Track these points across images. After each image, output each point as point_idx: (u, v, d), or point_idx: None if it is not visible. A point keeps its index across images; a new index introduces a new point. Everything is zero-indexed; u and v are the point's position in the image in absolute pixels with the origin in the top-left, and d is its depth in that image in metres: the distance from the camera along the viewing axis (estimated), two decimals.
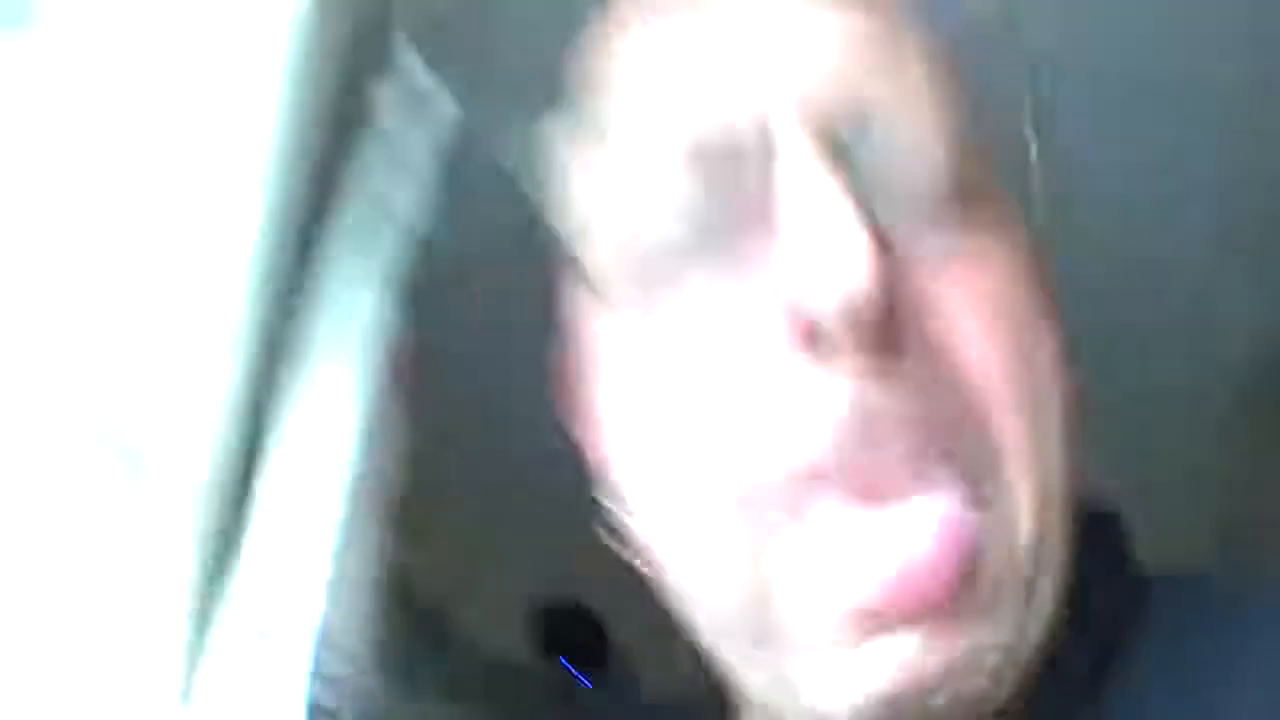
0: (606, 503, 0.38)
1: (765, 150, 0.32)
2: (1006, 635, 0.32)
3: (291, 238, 0.63)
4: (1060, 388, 0.34)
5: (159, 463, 0.80)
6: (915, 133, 0.33)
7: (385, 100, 0.61)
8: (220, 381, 0.72)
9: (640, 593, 0.40)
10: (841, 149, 0.32)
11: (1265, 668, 0.33)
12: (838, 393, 0.30)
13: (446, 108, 0.60)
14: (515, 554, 1.14)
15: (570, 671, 1.33)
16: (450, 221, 0.62)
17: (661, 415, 0.34)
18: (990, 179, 0.35)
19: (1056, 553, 0.33)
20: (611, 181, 0.34)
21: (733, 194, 0.33)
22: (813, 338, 0.30)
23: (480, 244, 0.65)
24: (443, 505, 0.71)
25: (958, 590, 0.31)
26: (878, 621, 0.31)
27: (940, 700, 0.31)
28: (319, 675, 0.56)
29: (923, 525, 0.31)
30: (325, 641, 0.56)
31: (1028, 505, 0.32)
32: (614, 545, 0.38)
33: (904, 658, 0.31)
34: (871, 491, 0.31)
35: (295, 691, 0.54)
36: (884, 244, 0.30)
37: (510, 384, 0.95)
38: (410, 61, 0.60)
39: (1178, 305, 0.96)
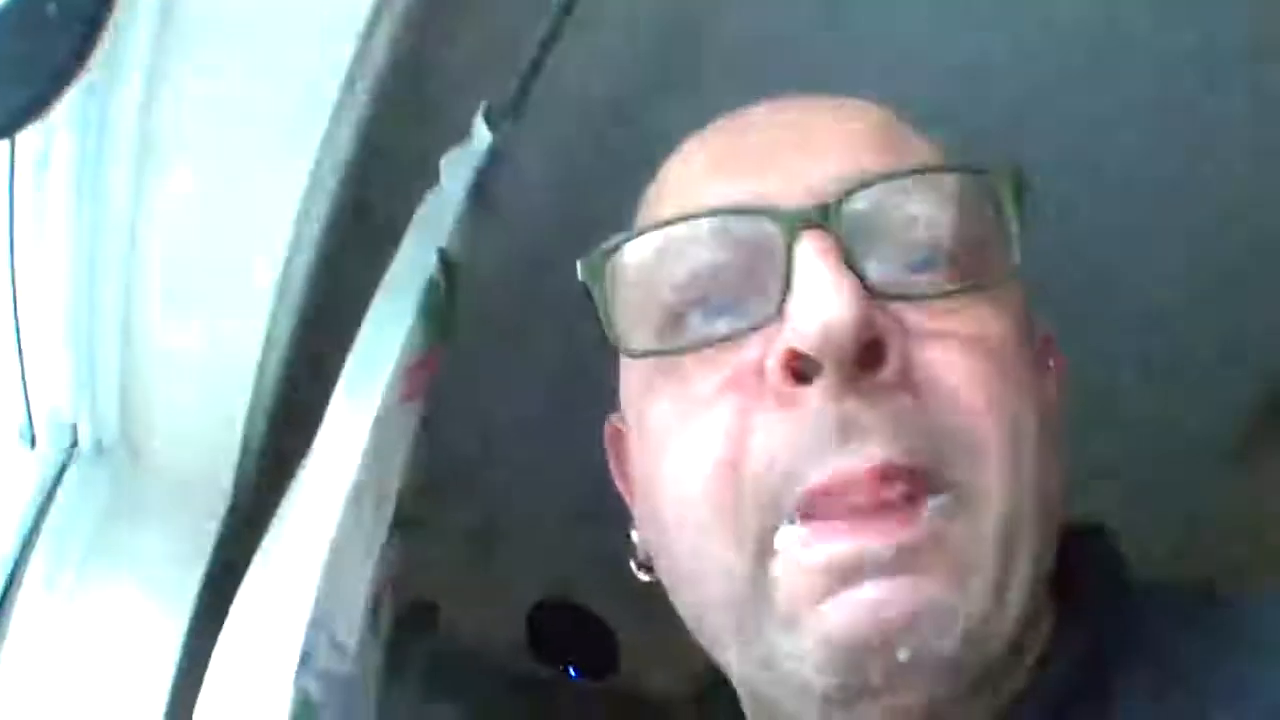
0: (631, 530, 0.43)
1: (772, 229, 0.37)
2: (976, 606, 0.34)
3: (327, 268, 0.69)
4: (1040, 412, 0.37)
5: (174, 461, 0.85)
6: (913, 195, 0.38)
7: (449, 165, 0.69)
8: (248, 391, 0.77)
9: (639, 599, 0.44)
10: (836, 214, 0.36)
11: (1256, 675, 0.35)
12: (819, 403, 0.35)
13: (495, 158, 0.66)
14: (515, 556, 1.16)
15: (560, 666, 1.36)
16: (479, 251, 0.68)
17: (675, 441, 0.38)
18: (992, 233, 0.38)
19: (1031, 544, 0.36)
20: (651, 250, 0.39)
21: (745, 263, 0.38)
22: (798, 366, 0.35)
23: (501, 268, 0.70)
24: (444, 507, 0.75)
25: (919, 540, 0.34)
26: (849, 574, 0.34)
27: (905, 654, 0.34)
28: (308, 665, 0.60)
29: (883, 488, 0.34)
30: (316, 633, 0.61)
31: (998, 495, 0.35)
32: (628, 560, 0.42)
33: (869, 598, 0.34)
34: (845, 491, 0.35)
35: (284, 678, 0.59)
36: (867, 288, 0.35)
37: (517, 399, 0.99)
38: (483, 133, 0.68)
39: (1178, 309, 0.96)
